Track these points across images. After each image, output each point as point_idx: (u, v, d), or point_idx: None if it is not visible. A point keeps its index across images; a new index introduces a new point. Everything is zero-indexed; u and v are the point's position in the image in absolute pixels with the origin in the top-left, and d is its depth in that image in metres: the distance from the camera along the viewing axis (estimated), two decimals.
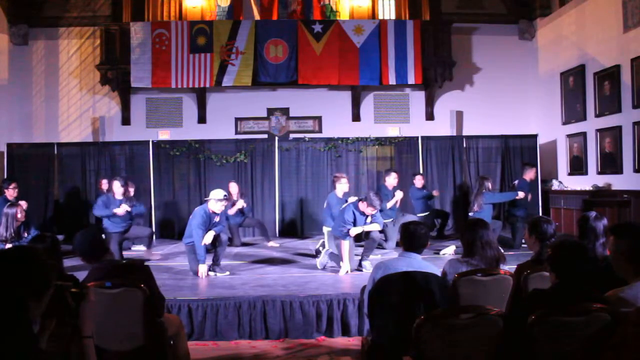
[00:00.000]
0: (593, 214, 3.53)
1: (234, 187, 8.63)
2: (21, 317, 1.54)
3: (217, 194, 6.06)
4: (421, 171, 9.86)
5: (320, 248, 7.03)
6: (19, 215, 5.92)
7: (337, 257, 6.26)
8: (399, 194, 7.83)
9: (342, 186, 7.16)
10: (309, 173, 10.17)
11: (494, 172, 10.10)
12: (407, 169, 10.08)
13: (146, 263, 3.42)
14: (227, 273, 6.08)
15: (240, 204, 8.46)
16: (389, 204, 7.72)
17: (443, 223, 9.35)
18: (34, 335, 1.57)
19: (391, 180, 8.03)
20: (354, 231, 6.04)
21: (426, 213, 8.61)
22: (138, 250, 8.11)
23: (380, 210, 6.74)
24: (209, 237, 5.93)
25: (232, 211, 8.26)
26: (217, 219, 6.09)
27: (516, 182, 8.27)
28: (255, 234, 9.64)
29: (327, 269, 6.33)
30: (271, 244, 8.62)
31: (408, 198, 8.69)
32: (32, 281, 1.63)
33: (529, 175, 8.17)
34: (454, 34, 10.65)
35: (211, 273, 6.05)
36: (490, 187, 7.71)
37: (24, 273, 1.61)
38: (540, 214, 8.91)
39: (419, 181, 8.73)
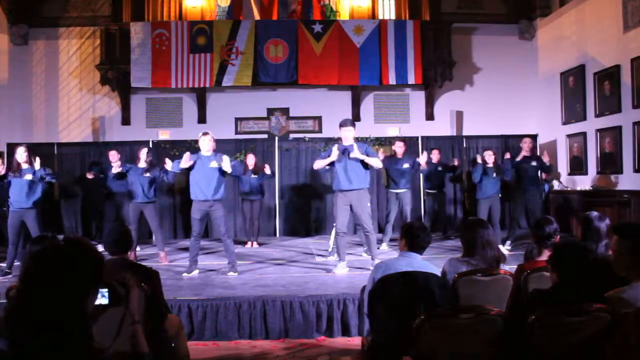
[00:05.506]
0: (596, 214, 3.47)
1: (250, 159, 8.65)
2: (81, 313, 1.51)
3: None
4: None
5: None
6: None
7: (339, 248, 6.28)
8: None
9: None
10: (309, 173, 10.18)
11: None
12: None
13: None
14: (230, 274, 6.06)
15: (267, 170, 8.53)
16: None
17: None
18: (91, 332, 1.54)
19: (397, 148, 8.07)
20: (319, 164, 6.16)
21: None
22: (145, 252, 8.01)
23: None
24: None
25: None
26: (213, 163, 6.04)
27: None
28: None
29: (327, 269, 6.33)
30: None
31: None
32: (92, 275, 1.60)
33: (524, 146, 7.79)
34: (454, 34, 10.64)
35: (230, 274, 6.04)
36: (479, 160, 7.81)
37: (86, 267, 1.57)
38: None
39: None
